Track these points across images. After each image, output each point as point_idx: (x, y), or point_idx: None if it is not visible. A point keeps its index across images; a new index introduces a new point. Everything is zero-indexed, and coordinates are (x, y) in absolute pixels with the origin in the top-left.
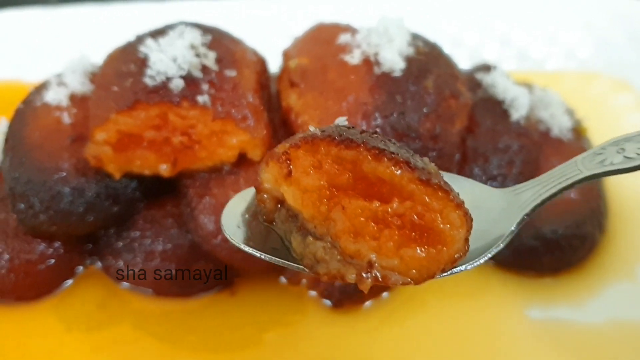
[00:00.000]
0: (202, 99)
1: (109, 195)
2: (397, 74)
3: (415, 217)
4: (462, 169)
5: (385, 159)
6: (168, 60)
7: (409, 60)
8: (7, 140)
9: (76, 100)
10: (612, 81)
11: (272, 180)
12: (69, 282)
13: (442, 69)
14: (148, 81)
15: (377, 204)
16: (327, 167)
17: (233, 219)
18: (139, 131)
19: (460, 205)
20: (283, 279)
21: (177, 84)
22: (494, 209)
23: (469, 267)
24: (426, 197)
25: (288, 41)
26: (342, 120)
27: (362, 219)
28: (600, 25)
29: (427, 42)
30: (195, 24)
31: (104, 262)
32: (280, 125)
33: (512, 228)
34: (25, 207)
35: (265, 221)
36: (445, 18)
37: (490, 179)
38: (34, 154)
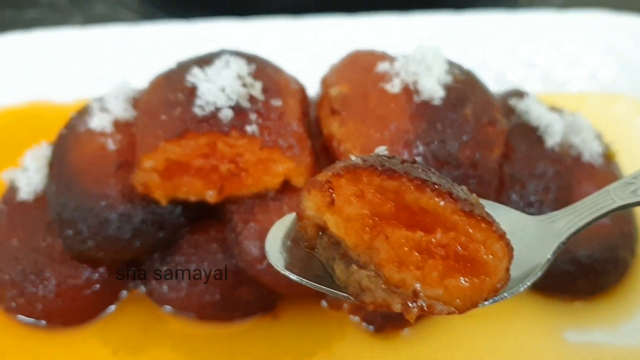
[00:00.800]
0: (250, 128)
1: (155, 221)
2: (437, 102)
3: (459, 247)
4: (500, 196)
5: (429, 190)
6: (217, 91)
7: (447, 88)
8: (51, 166)
9: (120, 126)
10: (635, 102)
11: (314, 208)
12: (113, 306)
13: (479, 96)
14: (197, 111)
15: (420, 234)
16: (370, 197)
17: (276, 245)
18: (187, 159)
19: (502, 236)
20: (324, 303)
21: (226, 114)
22: (529, 236)
23: (509, 296)
24: (470, 228)
25: (310, 63)
26: (382, 150)
27: (406, 248)
28: (622, 47)
29: (462, 70)
30: (238, 52)
31: (147, 286)
32: (321, 152)
33: (549, 256)
34: (73, 234)
35: (306, 247)
36: (470, 41)
37: (527, 206)
38: (80, 180)
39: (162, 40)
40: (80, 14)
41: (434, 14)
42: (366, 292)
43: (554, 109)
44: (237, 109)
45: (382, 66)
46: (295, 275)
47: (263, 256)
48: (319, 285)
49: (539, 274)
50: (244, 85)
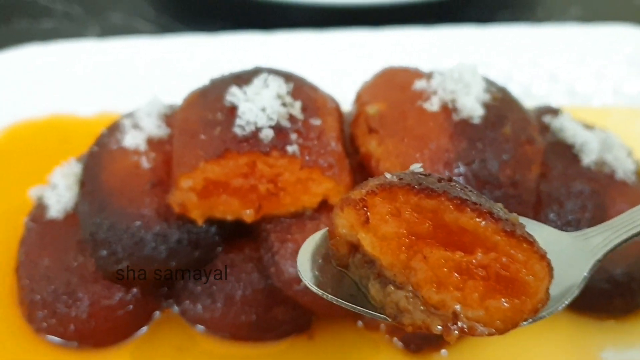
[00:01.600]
0: (291, 148)
1: (190, 240)
2: (477, 120)
3: (500, 268)
4: (537, 214)
5: (469, 210)
6: (257, 110)
7: (486, 106)
8: (83, 184)
9: (153, 144)
10: None
11: (347, 226)
12: (146, 327)
13: (517, 114)
14: (238, 131)
15: (460, 254)
16: (407, 215)
17: (307, 262)
18: (226, 179)
19: (544, 256)
20: (360, 323)
21: (267, 134)
22: (564, 253)
23: (547, 315)
24: (511, 249)
25: (335, 76)
26: (417, 167)
27: (446, 269)
28: None
29: (499, 87)
30: (274, 70)
31: (181, 306)
32: (358, 170)
33: (585, 274)
34: (108, 254)
35: (338, 265)
36: (495, 54)
37: (565, 224)
38: (115, 199)
39: (183, 52)
40: (97, 24)
41: (458, 27)
42: (404, 314)
43: (586, 125)
44: (277, 128)
45: (419, 84)
46: (330, 296)
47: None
48: (354, 306)
49: (577, 292)
50: (284, 104)
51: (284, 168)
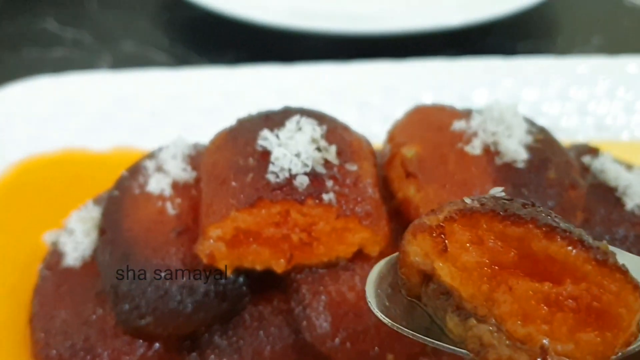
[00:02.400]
0: (327, 196)
1: (218, 292)
2: (520, 165)
3: (591, 299)
4: None
5: (559, 238)
6: (291, 156)
7: (530, 149)
8: (103, 231)
9: (179, 188)
10: None
11: (421, 254)
12: None
13: (559, 157)
14: (271, 178)
15: (548, 285)
16: (490, 244)
17: (374, 291)
18: (257, 228)
19: (637, 286)
20: None
21: (302, 181)
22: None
23: (637, 348)
24: (602, 279)
25: (355, 110)
26: (498, 191)
27: (533, 301)
28: None
29: (539, 127)
30: (306, 111)
31: None
32: (394, 216)
33: None
34: (130, 308)
35: (408, 295)
36: (523, 87)
37: None
38: (138, 248)
39: (200, 85)
40: (108, 53)
41: (484, 58)
42: (489, 349)
43: (628, 166)
44: (312, 175)
45: (458, 125)
46: (406, 329)
47: (335, 331)
48: (433, 341)
49: None
50: (318, 149)
51: (319, 217)
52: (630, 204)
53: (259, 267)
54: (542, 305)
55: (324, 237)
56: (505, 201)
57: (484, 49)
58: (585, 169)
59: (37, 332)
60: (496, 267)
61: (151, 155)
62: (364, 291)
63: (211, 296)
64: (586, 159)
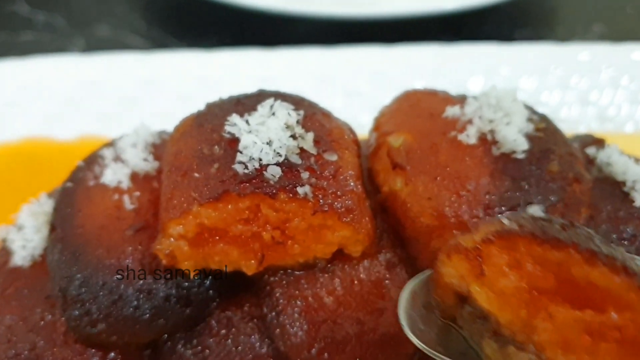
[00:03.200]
0: (302, 190)
1: (180, 296)
2: (520, 155)
3: (636, 330)
4: None
5: (601, 264)
6: (262, 144)
7: (530, 138)
8: (53, 227)
9: (138, 180)
10: None
11: (456, 276)
12: None
13: (562, 148)
14: (239, 168)
15: (590, 313)
16: (529, 268)
17: (408, 315)
18: (224, 225)
19: None
20: None
21: (274, 172)
22: None
23: None
24: None
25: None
26: (537, 210)
27: (574, 330)
28: None
29: (540, 115)
30: (280, 94)
31: None
32: (378, 212)
33: None
34: (80, 314)
35: (442, 317)
36: (521, 75)
37: None
38: (90, 247)
39: (177, 70)
40: (82, 38)
41: (478, 44)
42: None
43: (637, 159)
44: (286, 166)
45: (451, 111)
46: (443, 357)
47: (311, 341)
48: None
49: None
50: (293, 136)
51: (294, 213)
52: (639, 199)
53: (227, 269)
54: (585, 334)
55: (300, 235)
56: (544, 222)
57: (480, 36)
58: (590, 162)
59: None
60: (535, 293)
61: (110, 144)
62: (344, 296)
63: (172, 301)
64: (591, 151)
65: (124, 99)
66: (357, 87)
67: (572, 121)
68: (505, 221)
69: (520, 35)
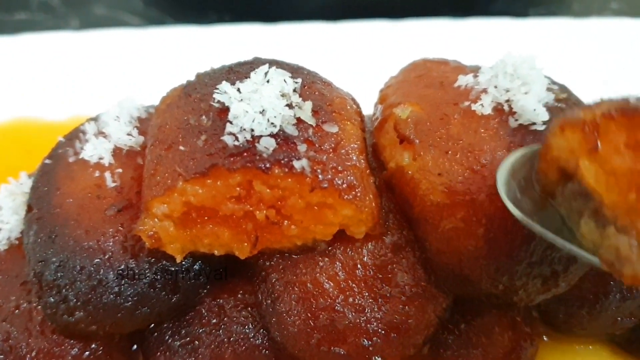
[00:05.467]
0: (299, 164)
1: (166, 282)
2: (540, 127)
3: None
4: None
5: None
6: (254, 113)
7: (549, 109)
8: (30, 208)
9: (121, 156)
10: None
11: (566, 149)
12: None
13: None
14: (228, 140)
15: None
16: None
17: (507, 181)
18: (212, 204)
19: None
20: None
21: (267, 144)
22: None
23: None
24: None
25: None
26: None
27: None
28: None
29: (560, 85)
30: (277, 61)
31: None
32: (384, 191)
33: None
34: (56, 301)
35: (542, 192)
36: (534, 51)
37: None
38: (68, 228)
39: (173, 46)
40: (77, 18)
41: (489, 19)
42: (625, 262)
43: None
44: (281, 137)
45: (464, 80)
46: (537, 226)
47: (308, 330)
48: (564, 242)
49: None
50: (290, 105)
51: (290, 190)
52: None
53: (217, 252)
54: None
55: (297, 214)
56: None
57: (492, 13)
58: None
59: None
60: None
61: (93, 119)
62: (346, 281)
63: (158, 287)
64: None
65: (119, 77)
66: (361, 63)
67: (588, 98)
68: (632, 99)
69: (534, 13)
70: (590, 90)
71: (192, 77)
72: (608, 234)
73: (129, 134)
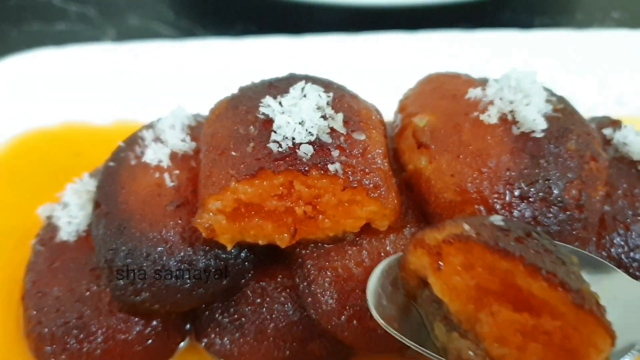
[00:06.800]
0: (332, 167)
1: (218, 267)
2: (539, 134)
3: (563, 337)
4: (602, 238)
5: (541, 278)
6: (295, 124)
7: (548, 118)
8: (98, 204)
9: (177, 159)
10: None
11: (419, 265)
12: None
13: (580, 127)
14: (273, 147)
15: (526, 316)
16: (479, 271)
17: (375, 291)
18: (259, 201)
19: (608, 329)
20: None
21: (306, 151)
22: (633, 304)
23: None
24: (577, 321)
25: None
26: (497, 219)
27: (511, 328)
28: None
29: (558, 97)
30: (311, 77)
31: (206, 339)
32: (404, 189)
33: None
34: (125, 284)
35: (405, 295)
36: (539, 60)
37: (633, 249)
38: (134, 222)
39: (207, 58)
40: (113, 27)
41: (499, 30)
42: None
43: None
44: (317, 144)
45: (473, 93)
46: (396, 333)
47: (340, 308)
48: (418, 347)
49: (635, 352)
50: (324, 117)
51: (325, 189)
52: None
53: (261, 242)
54: (519, 333)
55: (330, 210)
56: (500, 233)
57: (499, 23)
58: (607, 142)
59: (29, 310)
60: (483, 291)
61: (149, 126)
62: (371, 267)
63: (211, 271)
64: (608, 132)
65: (155, 86)
66: (380, 72)
67: (589, 105)
68: (466, 227)
69: (539, 22)
70: (591, 98)
71: (224, 86)
72: (453, 338)
73: (183, 140)
